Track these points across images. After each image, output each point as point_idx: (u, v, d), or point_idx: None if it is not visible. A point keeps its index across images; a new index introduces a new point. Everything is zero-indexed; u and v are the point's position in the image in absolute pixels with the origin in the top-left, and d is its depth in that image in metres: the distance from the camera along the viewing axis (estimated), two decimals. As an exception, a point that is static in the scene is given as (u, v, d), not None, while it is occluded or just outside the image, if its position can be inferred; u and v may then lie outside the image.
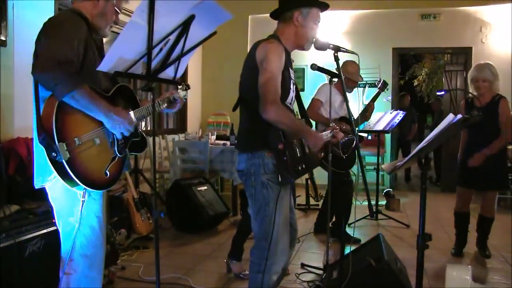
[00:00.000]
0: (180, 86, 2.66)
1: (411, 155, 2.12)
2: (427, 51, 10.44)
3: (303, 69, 7.83)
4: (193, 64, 7.83)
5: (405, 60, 13.44)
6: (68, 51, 1.97)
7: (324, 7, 2.57)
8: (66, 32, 2.01)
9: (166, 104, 2.56)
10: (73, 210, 2.12)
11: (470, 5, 7.64)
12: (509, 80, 7.56)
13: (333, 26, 7.88)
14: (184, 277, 3.60)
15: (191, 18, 1.79)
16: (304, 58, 7.43)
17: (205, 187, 5.26)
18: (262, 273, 2.43)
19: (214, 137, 6.32)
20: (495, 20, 7.67)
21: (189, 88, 2.75)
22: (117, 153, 2.17)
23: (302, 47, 2.59)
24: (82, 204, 2.10)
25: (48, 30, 2.01)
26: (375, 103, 4.87)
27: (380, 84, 4.89)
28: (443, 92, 8.71)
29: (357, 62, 2.93)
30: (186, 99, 2.70)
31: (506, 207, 6.72)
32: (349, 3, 7.78)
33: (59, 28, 2.02)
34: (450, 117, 2.03)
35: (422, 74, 13.89)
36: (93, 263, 2.19)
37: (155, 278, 2.08)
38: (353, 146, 2.68)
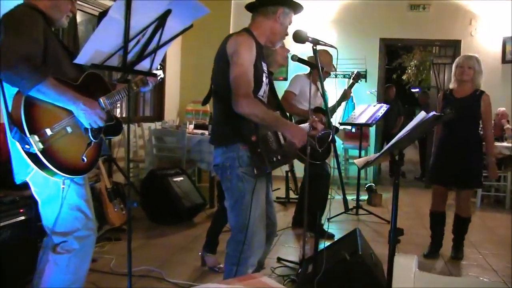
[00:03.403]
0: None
1: (383, 150, 2.27)
2: (415, 43, 10.62)
3: (286, 58, 7.92)
4: (172, 51, 7.88)
5: (392, 52, 13.60)
6: (29, 46, 2.08)
7: (299, 11, 2.72)
8: (25, 27, 2.12)
9: (141, 85, 2.68)
10: (58, 198, 2.29)
11: (459, -4, 7.83)
12: (498, 75, 7.83)
13: (320, 14, 8.00)
14: (157, 270, 3.71)
15: (167, 13, 1.91)
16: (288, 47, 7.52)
17: (181, 178, 5.36)
18: (237, 265, 2.56)
19: (192, 126, 6.39)
20: (485, 13, 7.87)
21: (162, 68, 2.84)
22: (92, 138, 2.31)
23: (273, 44, 2.74)
24: (63, 191, 2.26)
25: (7, 27, 2.10)
26: (357, 95, 5.00)
27: (354, 75, 5.09)
28: (417, 89, 8.92)
29: (336, 55, 3.12)
30: (161, 78, 2.80)
31: (489, 204, 6.98)
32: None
33: (18, 24, 2.12)
34: (422, 114, 2.17)
35: (411, 65, 14.07)
36: (86, 245, 2.40)
37: (125, 269, 2.21)
38: (329, 139, 2.82)
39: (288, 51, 3.70)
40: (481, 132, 4.39)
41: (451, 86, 4.38)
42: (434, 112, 2.24)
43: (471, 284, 1.10)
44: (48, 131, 2.08)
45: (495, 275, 3.98)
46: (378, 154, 2.33)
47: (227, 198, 2.65)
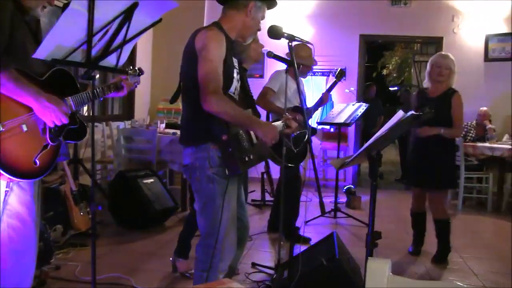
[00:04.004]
0: (131, 71, 2.73)
1: (359, 151, 2.31)
2: (396, 40, 10.75)
3: (261, 53, 7.94)
4: (142, 47, 7.83)
5: (373, 49, 13.77)
6: None
7: (273, 5, 2.74)
8: None
9: (112, 91, 2.64)
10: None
11: (442, -8, 7.97)
12: (481, 73, 7.98)
13: (297, 9, 8.04)
14: (125, 277, 3.68)
15: (134, 6, 1.91)
16: (263, 43, 7.55)
17: (152, 180, 5.34)
18: (207, 271, 2.56)
19: (163, 125, 6.37)
20: (469, 10, 8.00)
21: (142, 73, 2.82)
22: (49, 141, 2.22)
23: (244, 39, 2.75)
24: (5, 194, 2.16)
25: None
26: (336, 94, 5.04)
27: (336, 73, 5.08)
28: (396, 88, 9.06)
29: (312, 51, 3.15)
30: (137, 84, 2.78)
31: (472, 206, 7.11)
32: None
33: None
34: (400, 114, 2.21)
35: (392, 63, 14.26)
36: (23, 260, 2.26)
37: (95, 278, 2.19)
38: (305, 139, 2.84)
39: (262, 46, 3.71)
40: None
41: (425, 85, 4.50)
42: (412, 112, 2.29)
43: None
44: (-1, 127, 2.00)
45: (476, 280, 4.07)
46: (355, 154, 2.36)
47: (196, 200, 2.65)
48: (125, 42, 2.09)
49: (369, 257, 1.17)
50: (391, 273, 1.13)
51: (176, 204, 5.49)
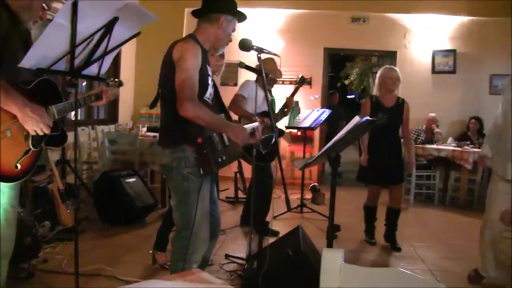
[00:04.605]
0: (111, 82, 2.70)
1: (320, 152, 2.32)
2: (356, 53, 10.87)
3: (237, 64, 7.96)
4: (126, 56, 7.75)
5: (337, 60, 13.92)
6: None
7: (243, 19, 2.74)
8: None
9: (94, 100, 2.60)
10: None
11: (395, 11, 8.07)
12: (429, 84, 8.15)
13: (269, 23, 8.07)
14: (108, 268, 3.64)
15: (114, 20, 1.88)
16: (238, 54, 7.56)
17: (134, 179, 5.29)
18: (182, 261, 2.56)
19: (145, 129, 6.35)
20: (418, 28, 8.17)
21: (121, 85, 2.79)
22: (32, 146, 2.17)
23: (216, 50, 2.78)
24: None
25: None
26: (303, 101, 5.08)
27: (298, 80, 5.19)
28: (353, 96, 9.16)
29: (279, 62, 3.22)
30: (117, 95, 2.74)
31: (421, 201, 7.23)
32: (285, 2, 8.00)
33: None
34: (356, 119, 2.23)
35: (354, 73, 14.42)
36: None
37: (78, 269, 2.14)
38: (272, 142, 2.85)
39: (221, 59, 3.72)
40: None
41: (376, 93, 4.61)
42: (367, 117, 2.31)
43: (391, 274, 1.13)
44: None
45: (423, 265, 4.17)
46: (316, 156, 2.38)
47: (173, 197, 2.65)
48: (106, 53, 2.06)
49: (324, 248, 1.17)
50: (343, 262, 1.13)
51: (156, 201, 5.44)
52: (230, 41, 2.75)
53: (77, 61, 1.99)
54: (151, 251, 3.89)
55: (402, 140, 4.68)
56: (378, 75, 4.60)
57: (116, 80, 2.68)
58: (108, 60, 2.19)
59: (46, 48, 1.83)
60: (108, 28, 1.91)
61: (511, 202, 2.90)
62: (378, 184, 4.62)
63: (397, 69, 4.58)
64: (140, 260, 3.97)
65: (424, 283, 1.09)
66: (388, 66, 4.72)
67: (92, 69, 2.14)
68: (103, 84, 2.63)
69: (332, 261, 1.15)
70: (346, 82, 15.30)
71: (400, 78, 4.50)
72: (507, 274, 3.37)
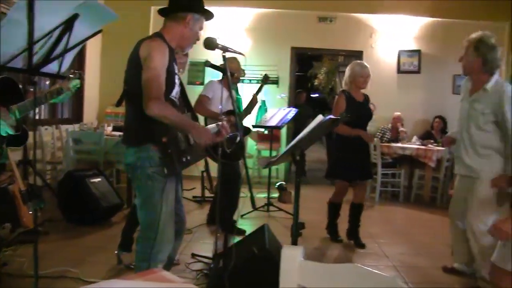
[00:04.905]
0: (72, 75, 2.66)
1: (283, 151, 2.33)
2: (323, 52, 10.98)
3: (182, 64, 7.92)
4: (91, 54, 7.62)
5: (305, 59, 14.02)
6: None
7: (210, 17, 2.73)
8: None
9: (55, 96, 2.56)
10: None
11: (362, 12, 8.21)
12: (394, 83, 8.31)
13: (237, 22, 8.07)
14: (73, 270, 3.56)
15: (74, 17, 1.85)
16: (204, 53, 7.53)
17: (99, 179, 5.21)
18: (147, 261, 2.55)
19: (110, 128, 6.25)
20: (384, 28, 8.33)
21: (80, 77, 2.75)
22: None
23: (183, 49, 2.76)
24: None
25: None
26: (270, 99, 5.11)
27: (262, 78, 5.25)
28: (317, 95, 9.26)
29: (248, 61, 3.26)
30: (78, 87, 2.70)
31: (387, 198, 7.36)
32: (252, 1, 8.05)
33: None
34: (319, 117, 2.26)
35: (322, 72, 14.55)
36: None
37: (41, 271, 2.10)
38: (237, 140, 2.86)
39: (184, 57, 3.71)
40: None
41: (347, 88, 4.61)
42: (331, 116, 2.34)
43: (349, 269, 1.16)
44: None
45: (387, 261, 4.26)
46: (279, 154, 2.39)
47: (137, 196, 2.64)
48: (66, 50, 2.02)
49: (284, 245, 1.18)
50: (303, 259, 1.14)
51: (122, 201, 5.37)
52: (198, 39, 2.74)
53: (35, 58, 1.94)
54: (116, 252, 3.84)
55: None
56: (348, 71, 4.59)
57: (77, 71, 2.63)
58: (69, 58, 2.16)
59: (1, 45, 1.78)
60: (68, 25, 1.88)
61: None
62: (348, 179, 4.61)
63: (367, 65, 4.59)
64: (105, 260, 3.91)
65: (380, 278, 1.11)
66: (358, 62, 4.69)
67: (53, 67, 2.10)
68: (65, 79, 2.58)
69: (291, 258, 1.17)
70: (316, 82, 15.42)
71: (370, 74, 4.54)
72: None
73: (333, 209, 4.74)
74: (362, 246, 4.61)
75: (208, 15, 2.71)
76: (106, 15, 1.97)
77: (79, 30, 1.97)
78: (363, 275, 1.13)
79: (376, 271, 1.14)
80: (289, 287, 1.18)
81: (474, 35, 3.51)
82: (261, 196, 6.36)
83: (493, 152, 3.41)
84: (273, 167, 7.70)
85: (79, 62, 7.17)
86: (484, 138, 3.42)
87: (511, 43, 8.26)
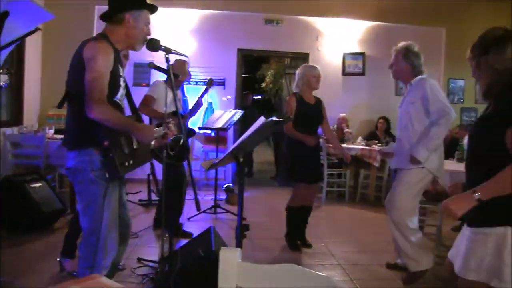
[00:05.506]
0: (1, 71, 2.57)
1: (226, 153, 2.34)
2: (270, 54, 11.07)
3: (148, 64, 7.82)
4: (31, 55, 7.31)
5: (252, 61, 14.09)
6: None
7: (154, 9, 2.68)
8: None
9: None
10: None
11: (308, 14, 8.36)
12: (339, 85, 8.50)
13: (181, 24, 8.00)
14: (12, 281, 3.43)
15: (4, 15, 1.79)
16: (153, 54, 7.43)
17: (40, 184, 5.04)
18: (90, 268, 2.49)
19: (52, 131, 6.06)
20: (329, 31, 8.50)
21: (9, 72, 2.66)
22: None
23: (133, 48, 2.69)
24: None
25: None
26: (216, 101, 5.11)
27: (207, 82, 5.27)
28: (259, 96, 9.36)
29: (187, 62, 3.27)
30: (7, 84, 2.61)
31: (333, 198, 7.51)
32: (197, 2, 8.00)
33: None
34: (261, 119, 2.28)
35: (269, 75, 14.64)
36: None
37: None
38: (180, 142, 2.85)
39: (124, 59, 3.66)
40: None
41: (297, 90, 4.65)
42: (273, 118, 2.36)
43: (286, 270, 1.18)
44: None
45: (333, 260, 4.35)
46: (222, 156, 2.40)
47: (79, 202, 2.57)
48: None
49: (221, 247, 1.19)
50: (240, 260, 1.15)
51: (65, 206, 5.21)
52: (149, 34, 2.68)
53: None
54: (58, 259, 3.72)
55: (326, 139, 4.80)
56: (299, 73, 4.62)
57: (5, 68, 2.55)
58: (2, 56, 2.08)
59: None
60: (-1, 23, 1.81)
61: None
62: (306, 182, 4.58)
63: (318, 66, 4.67)
64: (47, 268, 3.79)
65: (316, 277, 1.14)
66: (308, 64, 4.80)
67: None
68: None
69: (229, 260, 1.18)
70: (263, 85, 15.51)
71: (321, 75, 4.62)
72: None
73: (293, 213, 4.65)
74: (309, 246, 4.68)
75: (150, 8, 2.65)
76: (40, 14, 1.92)
77: (11, 28, 1.90)
78: (299, 275, 1.16)
79: (312, 271, 1.17)
80: (227, 288, 1.19)
81: (400, 45, 3.85)
82: (208, 198, 6.35)
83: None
84: (221, 169, 7.71)
85: (18, 64, 6.88)
86: (417, 132, 3.69)
87: (448, 46, 8.67)
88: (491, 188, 1.82)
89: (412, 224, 3.73)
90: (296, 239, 4.70)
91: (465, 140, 4.38)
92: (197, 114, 5.30)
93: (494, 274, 1.91)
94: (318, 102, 4.69)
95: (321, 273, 1.14)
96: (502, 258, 1.88)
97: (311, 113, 4.55)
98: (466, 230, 2.07)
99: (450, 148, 5.68)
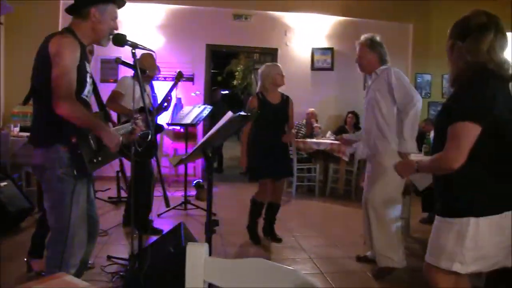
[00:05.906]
0: None
1: (194, 148, 2.35)
2: (239, 50, 11.08)
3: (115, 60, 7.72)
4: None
5: (222, 57, 14.06)
6: None
7: (121, 4, 2.66)
8: None
9: None
10: None
11: (276, 10, 8.39)
12: (308, 80, 8.58)
13: (148, 19, 7.90)
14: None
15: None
16: (117, 49, 7.34)
17: (5, 183, 4.92)
18: (58, 267, 2.46)
19: (17, 128, 5.93)
20: (298, 26, 8.55)
21: None
22: None
23: (99, 43, 2.66)
24: None
25: None
26: (185, 97, 5.10)
27: (175, 76, 5.30)
28: (226, 91, 9.36)
29: (154, 58, 3.27)
30: None
31: (303, 193, 7.58)
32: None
33: None
34: (229, 114, 2.30)
35: (238, 70, 14.66)
36: None
37: None
38: (148, 138, 2.84)
39: (91, 54, 3.62)
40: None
41: (260, 90, 4.71)
42: (241, 112, 2.39)
43: (254, 264, 1.21)
44: None
45: (304, 254, 4.41)
46: (190, 152, 2.41)
47: (46, 199, 2.54)
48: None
49: (188, 242, 1.21)
50: (207, 256, 1.17)
51: (32, 205, 5.10)
52: (116, 29, 2.66)
53: None
54: (25, 259, 3.66)
55: None
56: (263, 73, 4.65)
57: None
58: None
59: None
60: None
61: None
62: (270, 177, 4.63)
63: (279, 64, 4.75)
64: (14, 269, 3.71)
65: (283, 271, 1.16)
66: (270, 63, 4.83)
67: None
68: None
69: (196, 255, 1.20)
70: (235, 82, 15.51)
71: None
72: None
73: (256, 206, 4.72)
74: (279, 240, 4.73)
75: (117, 3, 2.63)
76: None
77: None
78: (267, 269, 1.19)
79: (280, 265, 1.19)
80: (195, 284, 1.21)
81: (363, 37, 3.93)
82: (178, 194, 6.33)
83: (391, 131, 3.79)
84: (190, 165, 7.68)
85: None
86: (386, 116, 3.79)
87: (414, 41, 8.85)
88: (424, 165, 2.21)
89: (396, 211, 3.79)
90: (256, 231, 4.76)
91: (432, 134, 4.50)
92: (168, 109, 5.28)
93: (456, 259, 2.03)
94: (284, 100, 4.72)
95: (289, 267, 1.17)
96: (463, 245, 2.01)
97: (274, 113, 4.60)
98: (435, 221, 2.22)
99: (417, 142, 5.79)
